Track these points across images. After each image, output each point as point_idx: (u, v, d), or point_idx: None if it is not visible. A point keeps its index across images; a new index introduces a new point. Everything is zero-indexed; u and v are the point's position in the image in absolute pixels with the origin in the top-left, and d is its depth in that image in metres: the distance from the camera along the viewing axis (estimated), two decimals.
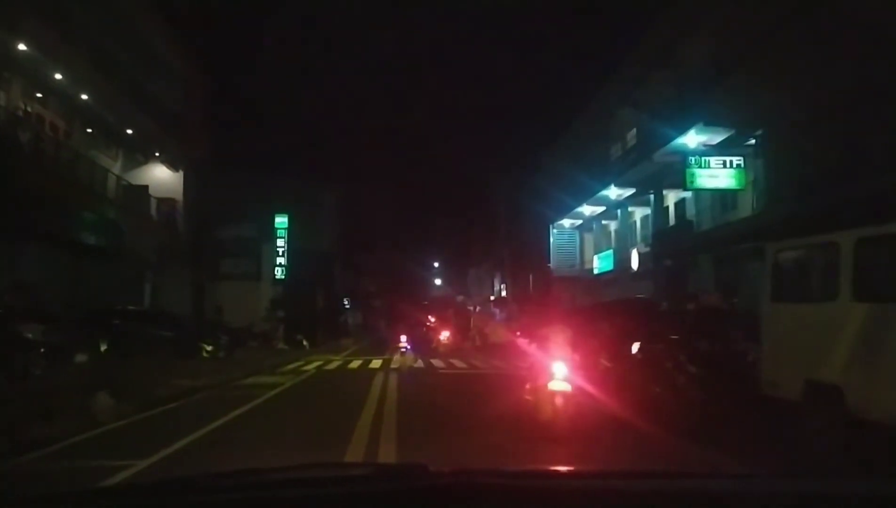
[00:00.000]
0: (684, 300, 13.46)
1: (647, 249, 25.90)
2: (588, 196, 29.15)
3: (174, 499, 1.52)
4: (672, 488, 1.56)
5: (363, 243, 71.58)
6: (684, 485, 1.60)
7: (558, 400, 7.77)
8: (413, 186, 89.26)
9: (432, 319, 52.35)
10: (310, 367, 18.68)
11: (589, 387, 9.37)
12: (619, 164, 26.64)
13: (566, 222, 34.92)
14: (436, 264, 71.09)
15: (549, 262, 35.99)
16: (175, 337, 18.66)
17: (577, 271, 35.79)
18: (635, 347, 11.70)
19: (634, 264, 25.99)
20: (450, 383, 15.33)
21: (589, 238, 35.30)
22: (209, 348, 19.27)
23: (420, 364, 18.98)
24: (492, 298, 55.20)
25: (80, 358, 14.11)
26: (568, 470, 2.11)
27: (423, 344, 27.05)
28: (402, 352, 19.32)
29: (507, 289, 44.68)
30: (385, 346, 32.58)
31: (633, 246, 28.11)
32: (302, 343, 31.33)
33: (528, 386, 8.67)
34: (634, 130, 26.47)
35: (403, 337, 19.50)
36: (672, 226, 24.68)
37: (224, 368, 16.74)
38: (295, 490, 1.51)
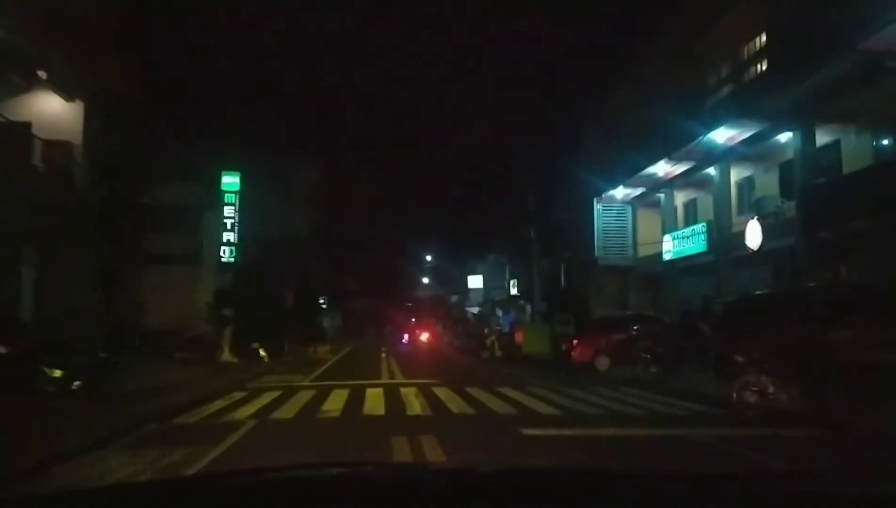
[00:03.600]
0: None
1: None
2: (672, 148, 20.36)
3: (172, 500, 1.47)
4: (672, 488, 1.56)
5: (346, 235, 62.27)
6: (684, 486, 1.60)
7: None
8: (408, 164, 77.97)
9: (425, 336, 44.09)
10: (243, 414, 9.47)
11: None
12: (746, 89, 17.89)
13: (619, 193, 26.10)
14: (428, 258, 62.02)
15: (594, 248, 27.13)
16: None
17: (631, 259, 27.02)
18: None
19: (753, 241, 17.24)
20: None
21: (648, 215, 26.56)
22: (56, 374, 10.08)
23: (470, 409, 9.81)
24: (494, 298, 46.26)
25: None
26: (568, 471, 1.86)
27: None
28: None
29: (523, 285, 35.56)
30: (374, 360, 23.51)
31: (740, 217, 19.41)
32: (258, 353, 22.13)
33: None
34: (759, 39, 17.77)
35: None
36: (831, 181, 16.00)
37: (35, 428, 7.66)
38: (294, 490, 1.49)
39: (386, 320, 77.77)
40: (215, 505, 1.45)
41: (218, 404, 10.48)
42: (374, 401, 10.82)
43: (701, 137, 18.55)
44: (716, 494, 1.51)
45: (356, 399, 11.09)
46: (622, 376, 16.13)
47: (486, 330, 31.49)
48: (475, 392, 12.10)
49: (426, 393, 11.98)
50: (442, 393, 11.99)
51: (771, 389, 8.68)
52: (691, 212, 24.39)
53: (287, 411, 9.67)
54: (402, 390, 12.56)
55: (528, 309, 38.85)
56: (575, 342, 18.92)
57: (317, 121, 59.44)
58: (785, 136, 17.45)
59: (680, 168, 21.68)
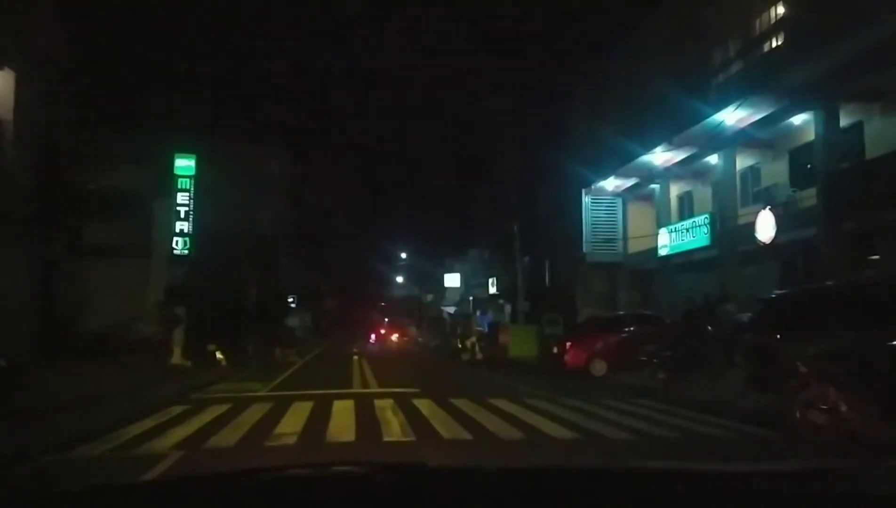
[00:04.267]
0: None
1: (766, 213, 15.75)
2: (673, 131, 18.66)
3: (174, 500, 1.47)
4: (672, 488, 1.54)
5: (318, 232, 59.84)
6: (684, 486, 1.58)
7: None
8: (382, 154, 74.35)
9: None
10: (168, 441, 7.23)
11: None
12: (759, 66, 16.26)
13: (609, 184, 24.37)
14: (403, 255, 59.78)
15: (582, 244, 25.37)
16: None
17: (622, 255, 25.33)
18: None
19: (765, 234, 15.62)
20: None
21: (639, 209, 24.93)
22: None
23: (467, 436, 7.75)
24: (471, 298, 44.37)
25: None
26: (568, 471, 1.79)
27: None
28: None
29: (503, 283, 33.67)
30: (345, 364, 21.48)
31: (744, 209, 17.81)
32: (215, 357, 19.88)
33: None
34: (775, 10, 16.15)
35: None
36: (856, 166, 14.40)
37: None
38: (293, 490, 1.48)
39: (359, 320, 75.41)
40: (215, 505, 1.44)
41: (145, 424, 8.33)
42: (342, 419, 8.78)
43: (707, 119, 16.86)
44: (716, 493, 1.51)
45: (320, 416, 9.04)
46: (624, 383, 14.35)
47: (459, 331, 29.51)
48: (464, 405, 10.13)
49: (405, 406, 9.98)
50: (424, 406, 10.00)
51: (843, 408, 6.88)
52: (687, 204, 22.80)
53: (229, 435, 7.58)
54: (377, 402, 10.54)
55: (508, 308, 37.06)
56: (568, 344, 17.08)
57: (284, 109, 56.71)
58: (799, 119, 15.87)
59: (679, 155, 20.01)
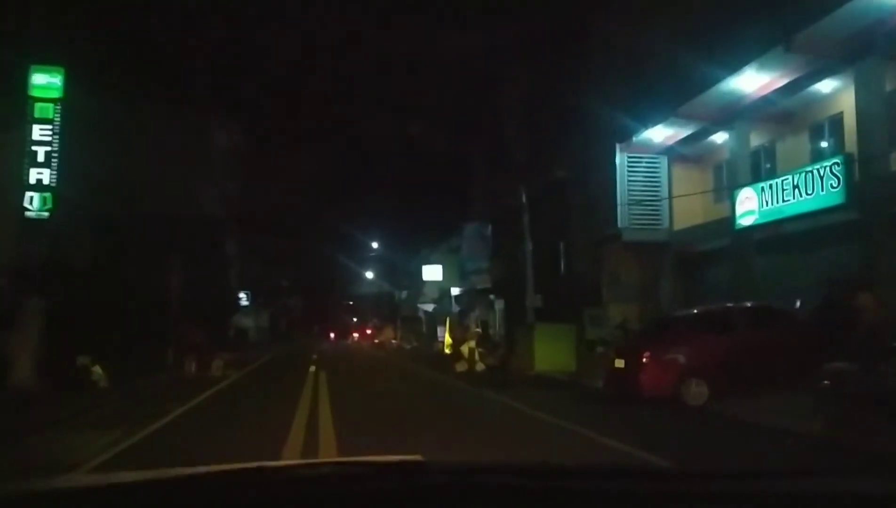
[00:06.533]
0: None
1: None
2: (791, 29, 12.36)
3: (170, 497, 1.42)
4: (672, 488, 1.55)
5: (274, 222, 52.69)
6: (684, 486, 1.58)
7: None
8: (349, 126, 64.34)
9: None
10: None
11: None
12: None
13: (657, 134, 18.04)
14: (374, 245, 52.79)
15: (613, 217, 19.02)
16: None
17: (667, 233, 19.08)
18: None
19: None
20: None
21: (686, 173, 18.84)
22: None
23: None
24: (454, 292, 37.80)
25: None
26: (568, 471, 1.73)
27: None
28: None
29: (497, 272, 26.97)
30: (293, 385, 14.60)
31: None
32: (88, 374, 13.00)
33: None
34: None
35: None
36: None
37: None
38: (292, 490, 1.46)
39: (322, 320, 68.43)
40: (216, 504, 1.41)
41: None
42: None
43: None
44: (716, 493, 1.50)
45: None
46: (757, 425, 8.22)
47: (450, 332, 22.87)
48: None
49: None
50: None
51: None
52: (766, 160, 16.60)
53: None
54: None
55: (499, 305, 30.68)
56: (646, 356, 10.65)
57: (233, 76, 48.75)
58: None
59: (785, 77, 13.73)
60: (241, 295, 44.88)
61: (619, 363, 11.29)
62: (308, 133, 63.74)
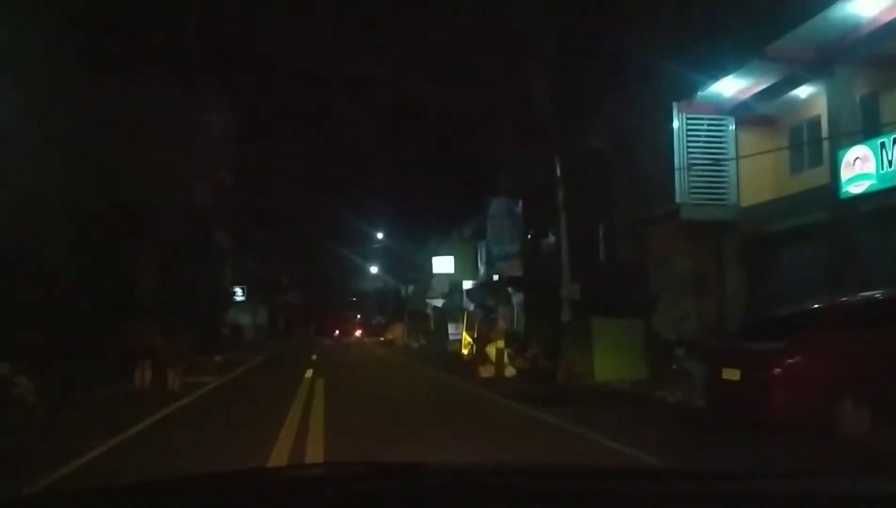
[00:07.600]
0: None
1: None
2: None
3: (171, 499, 1.43)
4: (672, 488, 1.53)
5: (273, 214, 49.50)
6: (684, 486, 1.57)
7: None
8: (350, 104, 58.43)
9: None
10: None
11: None
12: None
13: (730, 87, 14.74)
14: (379, 236, 49.44)
15: (669, 191, 15.74)
16: None
17: (734, 210, 15.80)
18: None
19: None
20: None
21: (755, 140, 15.58)
22: None
23: None
24: (467, 285, 34.58)
25: None
26: (568, 471, 1.74)
27: None
28: None
29: (530, 254, 23.52)
30: (281, 399, 11.32)
31: None
32: (10, 387, 9.86)
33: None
34: None
35: None
36: None
37: None
38: (291, 490, 1.46)
39: (323, 317, 65.35)
40: (215, 505, 1.40)
41: None
42: None
43: None
44: (716, 493, 1.48)
45: None
46: None
47: (477, 328, 19.56)
48: None
49: None
50: None
51: None
52: (870, 112, 13.31)
53: None
54: None
55: (517, 300, 27.47)
56: (779, 363, 7.42)
57: (227, 56, 45.25)
58: None
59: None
60: (237, 289, 41.79)
61: (731, 374, 8.05)
62: (306, 113, 58.85)
